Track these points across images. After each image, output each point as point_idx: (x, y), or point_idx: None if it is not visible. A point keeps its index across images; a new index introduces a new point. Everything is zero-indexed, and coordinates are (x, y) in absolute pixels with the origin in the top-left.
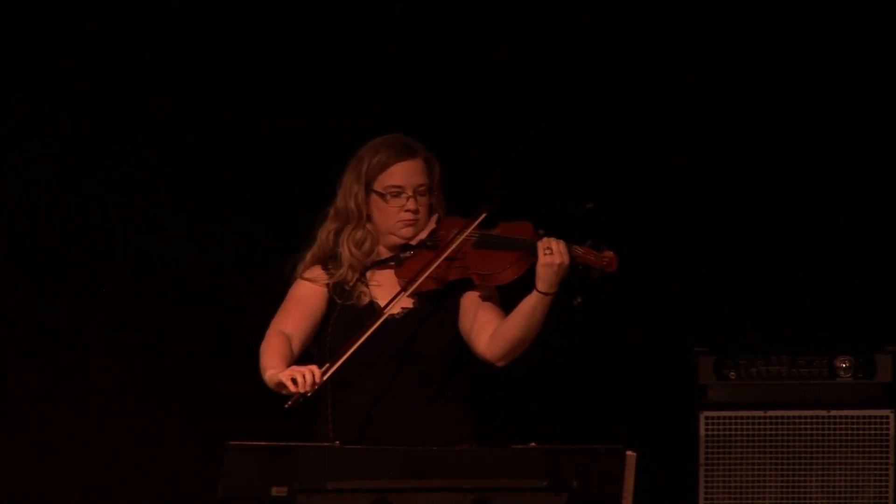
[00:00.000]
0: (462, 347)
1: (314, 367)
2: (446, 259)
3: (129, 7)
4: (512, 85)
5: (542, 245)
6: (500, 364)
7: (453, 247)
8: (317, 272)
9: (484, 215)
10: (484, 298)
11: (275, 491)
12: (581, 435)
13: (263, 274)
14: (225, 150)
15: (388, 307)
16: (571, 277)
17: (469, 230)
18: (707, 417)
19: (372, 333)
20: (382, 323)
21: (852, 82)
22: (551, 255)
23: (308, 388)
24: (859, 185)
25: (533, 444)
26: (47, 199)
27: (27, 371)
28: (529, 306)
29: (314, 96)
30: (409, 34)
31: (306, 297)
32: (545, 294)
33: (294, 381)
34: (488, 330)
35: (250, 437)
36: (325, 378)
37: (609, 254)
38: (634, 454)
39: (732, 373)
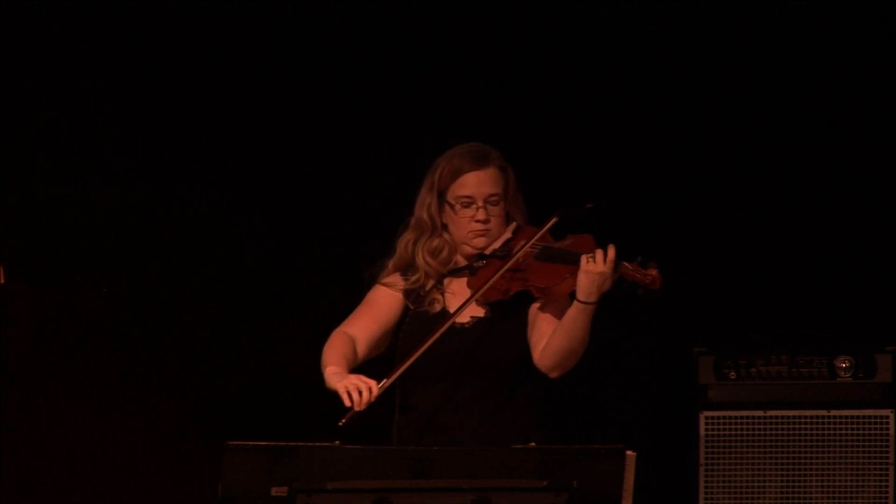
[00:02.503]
0: (529, 357)
1: (372, 383)
2: (511, 270)
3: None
4: (514, 85)
5: (586, 255)
6: (553, 375)
7: (513, 260)
8: (395, 278)
9: (553, 221)
10: (547, 309)
11: (275, 491)
12: (581, 435)
13: (263, 273)
14: (225, 150)
15: (452, 317)
16: (617, 292)
17: (533, 240)
18: (707, 417)
19: (439, 342)
20: (452, 331)
21: (853, 82)
22: (593, 263)
23: (363, 407)
24: (859, 185)
25: (533, 444)
26: (47, 198)
27: (26, 371)
28: (571, 317)
29: (321, 96)
30: (432, 38)
31: (379, 301)
32: (584, 303)
33: (350, 396)
34: (544, 341)
35: (250, 436)
36: (380, 392)
37: (653, 272)
38: (634, 454)
39: (732, 373)
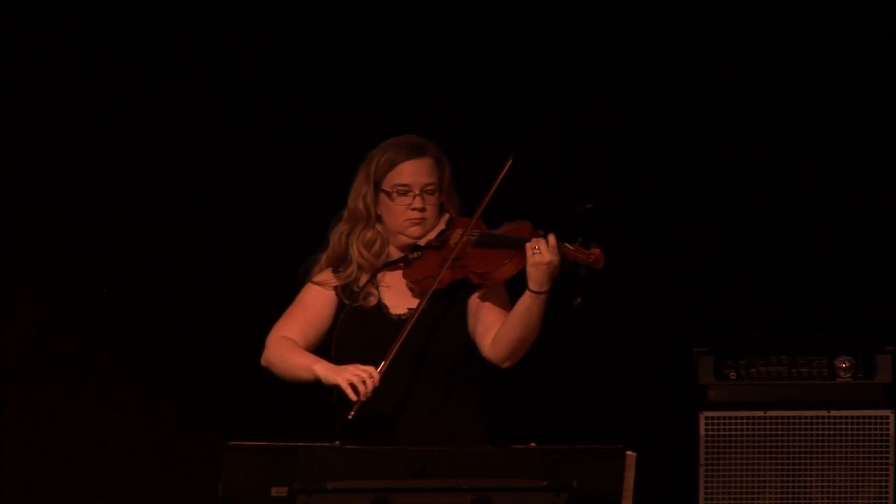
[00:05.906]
0: (471, 348)
1: (371, 370)
2: (450, 259)
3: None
4: (515, 85)
5: (530, 245)
6: (504, 365)
7: (458, 248)
8: (327, 275)
9: (481, 208)
10: (489, 299)
11: (275, 491)
12: (581, 435)
13: (263, 273)
14: (225, 150)
15: (418, 307)
16: (564, 275)
17: (470, 226)
18: (707, 417)
19: (376, 334)
20: (388, 323)
21: (853, 82)
22: (539, 254)
23: (369, 394)
24: (859, 185)
25: (533, 444)
26: (47, 198)
27: (26, 371)
28: (524, 306)
29: (321, 96)
30: (415, 35)
31: (313, 302)
32: (537, 293)
33: (355, 389)
34: (492, 332)
35: (250, 436)
36: (381, 377)
37: (596, 251)
38: (634, 454)
39: (732, 373)
